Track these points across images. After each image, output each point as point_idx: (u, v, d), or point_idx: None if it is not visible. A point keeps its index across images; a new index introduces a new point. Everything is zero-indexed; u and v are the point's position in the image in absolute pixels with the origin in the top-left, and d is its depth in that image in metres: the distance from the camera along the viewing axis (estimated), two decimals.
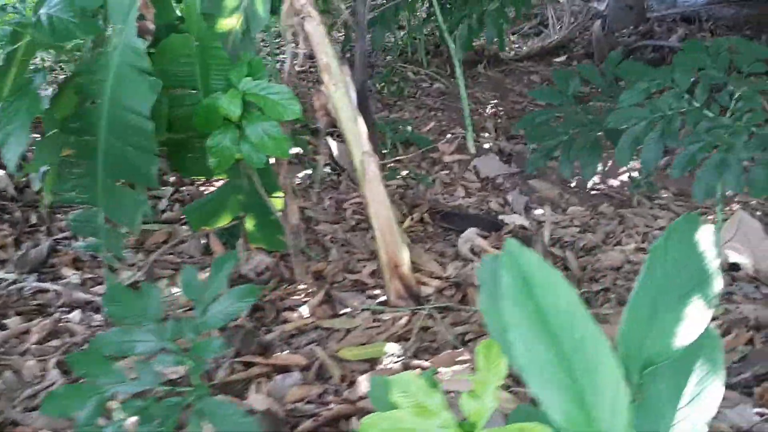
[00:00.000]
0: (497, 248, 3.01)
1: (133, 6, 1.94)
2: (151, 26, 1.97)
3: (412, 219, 3.33)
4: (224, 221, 2.56)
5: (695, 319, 0.96)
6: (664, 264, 1.02)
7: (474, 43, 6.67)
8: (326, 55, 2.25)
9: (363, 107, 3.70)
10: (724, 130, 2.36)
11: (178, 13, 2.33)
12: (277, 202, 2.53)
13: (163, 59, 2.16)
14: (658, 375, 1.02)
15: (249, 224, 2.61)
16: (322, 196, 3.69)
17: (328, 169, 4.02)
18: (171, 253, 2.91)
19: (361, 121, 2.35)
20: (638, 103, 2.57)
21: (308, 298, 2.54)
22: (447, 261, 2.90)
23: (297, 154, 4.17)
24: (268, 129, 2.13)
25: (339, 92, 2.29)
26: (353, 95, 2.33)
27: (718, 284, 0.97)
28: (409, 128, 4.30)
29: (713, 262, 0.98)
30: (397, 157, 4.20)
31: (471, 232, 3.03)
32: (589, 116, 3.01)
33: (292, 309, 2.48)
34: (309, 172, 4.02)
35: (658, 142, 2.46)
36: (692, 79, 2.55)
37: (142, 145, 1.93)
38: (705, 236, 0.99)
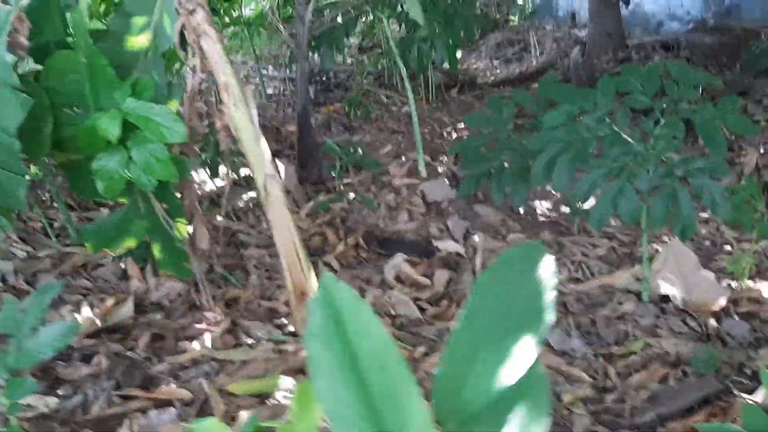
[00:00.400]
0: (426, 276, 2.91)
1: (6, 21, 1.86)
2: (25, 41, 1.89)
3: (346, 244, 3.23)
4: (127, 245, 2.46)
5: (520, 358, 0.85)
6: (491, 297, 0.92)
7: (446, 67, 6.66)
8: (224, 74, 2.17)
9: (305, 128, 3.65)
10: (632, 157, 2.27)
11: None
12: (180, 227, 2.43)
13: (50, 76, 2.08)
14: (476, 424, 0.92)
15: (155, 250, 2.50)
16: (261, 219, 3.60)
17: None
18: (85, 278, 2.81)
19: (263, 142, 2.26)
20: (562, 124, 2.48)
21: (214, 328, 2.43)
22: (370, 288, 2.80)
23: (246, 176, 4.09)
24: (154, 151, 2.04)
25: (239, 112, 2.20)
26: (255, 115, 2.23)
27: (549, 318, 0.86)
28: (360, 151, 4.21)
29: (547, 295, 0.87)
30: (346, 181, 4.12)
31: (398, 259, 2.93)
32: (522, 142, 2.92)
33: (193, 338, 2.37)
34: (253, 194, 3.93)
35: (569, 165, 2.36)
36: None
37: (8, 165, 1.84)
38: (542, 266, 0.89)
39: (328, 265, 3.05)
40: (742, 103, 2.40)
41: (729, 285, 2.72)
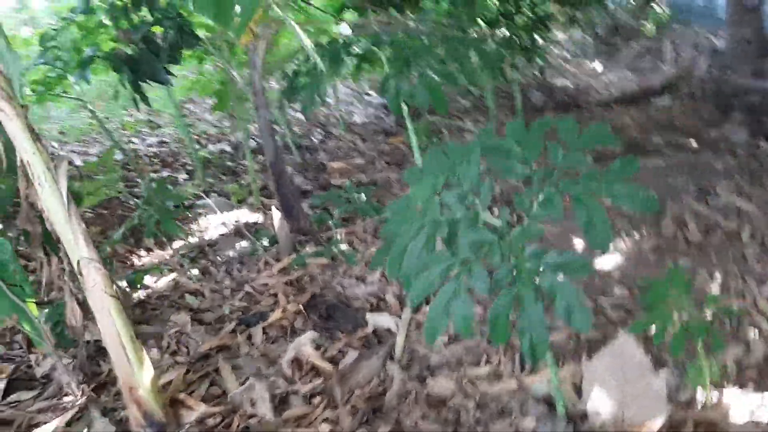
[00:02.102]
0: (334, 358, 2.55)
1: None
2: None
3: (284, 311, 2.95)
4: None
5: None
6: None
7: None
8: (25, 151, 2.00)
9: (280, 178, 3.41)
10: (487, 248, 1.76)
11: None
12: (30, 305, 2.30)
13: None
14: None
15: (26, 326, 2.40)
16: (229, 274, 3.42)
17: (265, 242, 3.73)
18: None
19: (77, 221, 2.05)
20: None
21: (60, 418, 2.27)
22: (270, 372, 2.50)
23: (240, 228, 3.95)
24: None
25: (46, 192, 2.02)
26: (64, 193, 2.04)
27: None
28: (364, 196, 3.88)
29: None
30: (350, 228, 3.81)
31: (305, 338, 2.59)
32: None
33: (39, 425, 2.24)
34: (245, 244, 3.77)
35: (420, 255, 1.89)
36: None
37: None
38: None
39: (249, 339, 2.78)
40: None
41: (686, 400, 2.07)
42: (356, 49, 3.67)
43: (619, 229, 3.62)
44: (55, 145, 6.10)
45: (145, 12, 3.27)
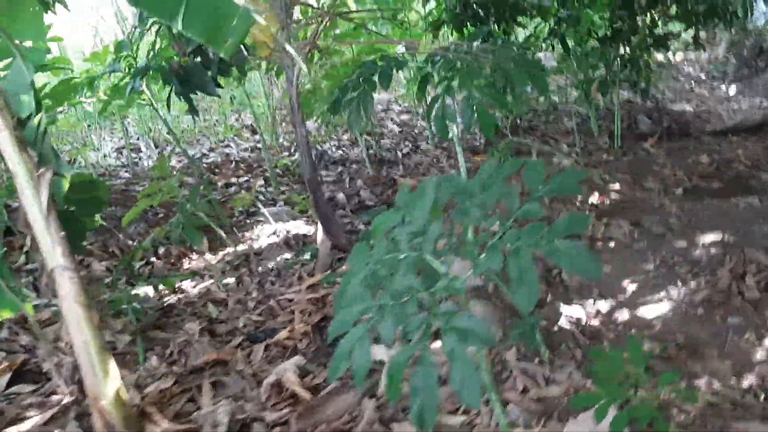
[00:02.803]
0: (314, 389, 2.48)
1: None
2: None
3: (291, 330, 2.92)
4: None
5: None
6: None
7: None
8: (11, 160, 2.10)
9: (318, 197, 3.41)
10: (408, 297, 1.63)
11: None
12: (27, 306, 2.41)
13: None
14: None
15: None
16: (261, 286, 3.46)
17: (308, 256, 3.74)
18: None
19: (55, 229, 2.13)
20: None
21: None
22: (252, 394, 2.48)
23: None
24: None
25: (27, 199, 2.11)
26: (44, 203, 2.12)
27: None
28: None
29: None
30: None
31: (290, 363, 2.55)
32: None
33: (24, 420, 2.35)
34: (288, 256, 3.80)
35: (354, 292, 1.77)
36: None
37: None
38: None
39: (248, 356, 2.78)
40: None
41: None
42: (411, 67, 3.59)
43: (679, 274, 3.31)
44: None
45: None
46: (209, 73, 3.28)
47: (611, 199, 4.56)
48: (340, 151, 6.12)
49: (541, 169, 1.82)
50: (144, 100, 3.99)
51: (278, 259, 3.78)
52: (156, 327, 3.00)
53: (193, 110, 3.52)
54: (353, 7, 4.03)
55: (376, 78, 3.32)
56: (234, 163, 5.86)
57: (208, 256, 3.94)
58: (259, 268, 3.69)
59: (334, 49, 4.63)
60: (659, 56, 10.35)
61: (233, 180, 5.31)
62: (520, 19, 6.02)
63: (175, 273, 3.65)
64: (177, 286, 3.50)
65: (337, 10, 3.34)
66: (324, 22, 3.01)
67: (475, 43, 3.60)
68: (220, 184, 5.25)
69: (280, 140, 6.42)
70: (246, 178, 5.38)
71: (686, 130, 6.11)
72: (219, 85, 3.43)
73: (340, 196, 4.79)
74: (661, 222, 4.10)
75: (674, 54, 9.10)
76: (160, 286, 3.34)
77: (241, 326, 3.03)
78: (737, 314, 2.83)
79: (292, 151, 6.26)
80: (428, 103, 3.50)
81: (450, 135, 3.60)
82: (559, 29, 6.10)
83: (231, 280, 3.53)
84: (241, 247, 3.96)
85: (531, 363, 2.52)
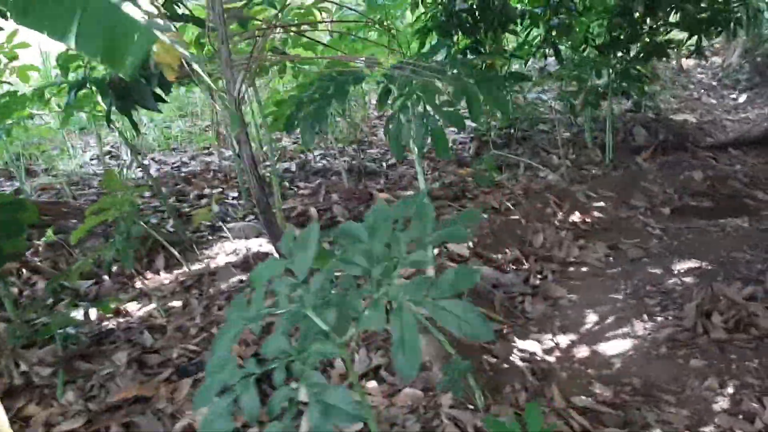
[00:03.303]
0: None
1: None
2: None
3: None
4: None
5: None
6: None
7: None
8: None
9: (270, 227, 3.24)
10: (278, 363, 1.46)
11: None
12: None
13: None
14: None
15: None
16: (207, 310, 3.29)
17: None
18: None
19: None
20: None
21: None
22: None
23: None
24: None
25: None
26: None
27: None
28: None
29: None
30: None
31: None
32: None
33: None
34: (244, 277, 3.63)
35: (224, 351, 1.60)
36: None
37: None
38: None
39: (172, 393, 2.62)
40: None
41: None
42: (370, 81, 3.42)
43: (648, 306, 3.10)
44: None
45: None
46: (151, 86, 3.12)
47: (593, 218, 4.34)
48: (325, 161, 5.95)
49: (429, 208, 1.65)
50: (100, 111, 3.85)
51: (232, 281, 3.61)
52: (83, 356, 2.85)
53: (134, 126, 3.37)
54: (319, 17, 3.85)
55: (331, 92, 3.16)
56: (212, 172, 5.71)
57: (163, 274, 3.79)
58: (211, 290, 3.53)
59: (309, 62, 4.47)
60: (672, 63, 10.11)
61: (206, 191, 5.16)
62: (512, 26, 5.83)
63: (119, 295, 3.50)
64: (122, 308, 3.36)
65: (284, 22, 3.17)
66: (268, 36, 2.84)
67: (439, 57, 3.41)
68: (192, 194, 5.10)
69: (264, 149, 6.26)
70: (220, 189, 5.22)
71: (684, 143, 5.85)
72: (161, 99, 3.27)
73: (312, 211, 4.62)
74: (640, 245, 3.88)
75: (686, 57, 8.78)
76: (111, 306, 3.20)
77: (174, 357, 2.86)
78: (701, 356, 2.62)
79: (276, 159, 6.09)
80: (386, 121, 3.33)
81: (408, 154, 3.41)
82: (550, 37, 5.89)
83: (178, 303, 3.37)
84: (196, 266, 3.80)
85: (465, 411, 2.32)
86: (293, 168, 5.83)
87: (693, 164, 5.28)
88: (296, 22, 3.24)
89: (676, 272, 3.41)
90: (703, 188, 4.84)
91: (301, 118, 3.17)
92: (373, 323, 1.47)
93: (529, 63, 7.52)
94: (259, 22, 3.01)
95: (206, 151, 6.48)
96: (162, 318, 3.19)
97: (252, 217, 4.60)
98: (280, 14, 3.09)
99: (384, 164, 5.93)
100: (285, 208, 4.73)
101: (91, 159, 6.13)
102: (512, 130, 6.49)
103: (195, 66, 2.09)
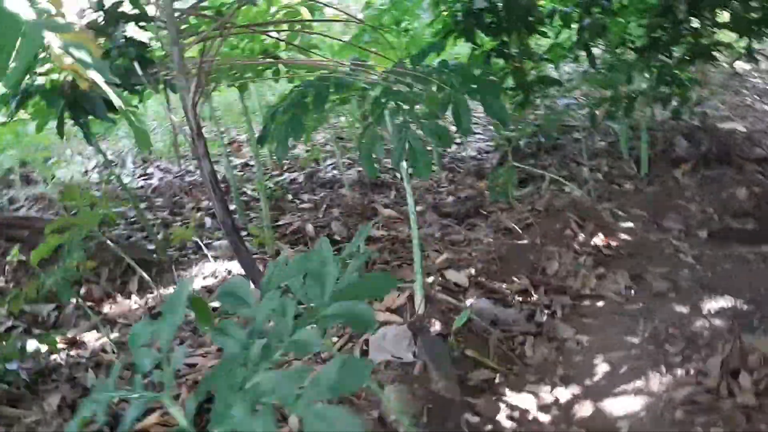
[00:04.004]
0: None
1: None
2: None
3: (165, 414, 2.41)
4: None
5: None
6: None
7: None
8: None
9: (235, 244, 2.91)
10: None
11: None
12: None
13: None
14: None
15: None
16: None
17: None
18: None
19: None
20: None
21: None
22: None
23: None
24: None
25: None
26: None
27: None
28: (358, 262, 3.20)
29: None
30: None
31: None
32: None
33: None
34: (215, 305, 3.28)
35: None
36: None
37: None
38: None
39: None
40: None
41: None
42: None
43: (668, 355, 2.63)
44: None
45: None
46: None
47: (618, 241, 3.86)
48: (335, 171, 5.59)
49: (383, 282, 1.28)
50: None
51: None
52: (12, 399, 2.53)
53: (86, 137, 3.06)
54: (307, 16, 3.48)
55: (309, 100, 2.79)
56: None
57: (134, 298, 3.47)
58: None
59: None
60: (725, 66, 9.42)
61: (204, 203, 4.85)
62: (541, 27, 5.36)
63: (80, 323, 3.19)
64: (79, 338, 3.05)
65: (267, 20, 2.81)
66: (221, 37, 2.48)
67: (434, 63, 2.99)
68: (188, 207, 4.79)
69: (271, 158, 5.94)
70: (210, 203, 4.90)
71: (729, 155, 5.28)
72: (112, 108, 2.94)
73: (309, 228, 4.25)
74: (668, 276, 3.40)
75: (733, 62, 8.14)
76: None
77: (115, 402, 2.52)
78: (723, 425, 2.15)
79: (284, 169, 5.76)
80: (358, 136, 2.96)
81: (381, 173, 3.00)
82: (582, 38, 5.39)
83: None
84: (170, 290, 3.47)
85: None
86: (301, 179, 5.47)
87: (738, 180, 4.73)
88: (273, 20, 2.87)
89: (705, 312, 2.92)
90: (748, 208, 4.31)
91: (274, 130, 2.82)
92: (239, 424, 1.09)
93: (566, 66, 7.04)
94: (213, 19, 2.66)
95: (214, 159, 6.17)
96: (113, 354, 2.86)
97: (244, 233, 4.25)
98: (232, 11, 2.73)
99: (397, 174, 5.52)
100: (281, 224, 4.39)
101: (95, 167, 5.89)
102: (542, 139, 6.00)
103: (93, 75, 1.73)
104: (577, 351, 2.80)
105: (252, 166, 5.87)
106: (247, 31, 2.98)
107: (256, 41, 3.57)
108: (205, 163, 2.73)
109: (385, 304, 3.07)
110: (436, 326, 2.82)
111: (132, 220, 4.51)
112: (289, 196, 4.99)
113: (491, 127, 7.18)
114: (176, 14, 2.49)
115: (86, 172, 5.75)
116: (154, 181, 5.47)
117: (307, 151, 6.22)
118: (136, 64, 2.70)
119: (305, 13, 3.47)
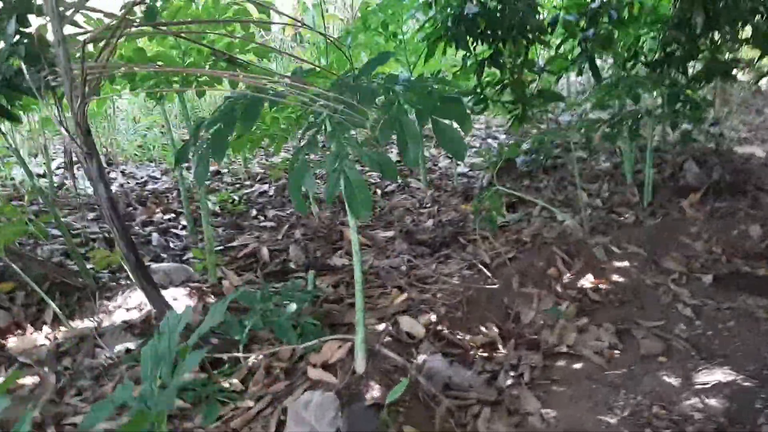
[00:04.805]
0: None
1: None
2: None
3: None
4: None
5: None
6: None
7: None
8: None
9: (144, 280, 2.47)
10: None
11: None
12: None
13: None
14: None
15: None
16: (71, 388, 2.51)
17: None
18: None
19: None
20: None
21: None
22: None
23: None
24: None
25: None
26: None
27: None
28: (302, 303, 2.74)
29: None
30: (261, 353, 2.71)
31: None
32: None
33: None
34: (132, 345, 2.84)
35: None
36: None
37: None
38: None
39: None
40: None
41: None
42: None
43: None
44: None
45: None
46: None
47: (608, 284, 3.37)
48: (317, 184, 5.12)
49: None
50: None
51: (117, 348, 2.82)
52: None
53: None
54: (256, 15, 3.03)
55: (237, 114, 2.34)
56: (177, 192, 4.97)
57: (46, 330, 3.04)
58: (86, 361, 2.75)
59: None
60: (748, 84, 8.85)
61: (157, 216, 4.40)
62: (543, 36, 4.87)
63: None
64: None
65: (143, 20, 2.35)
66: (117, 37, 2.03)
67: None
68: (138, 220, 4.35)
69: (250, 166, 5.49)
70: (170, 216, 4.45)
71: (744, 183, 4.76)
72: (5, 114, 2.51)
73: (264, 252, 3.79)
74: (660, 332, 2.91)
75: (755, 81, 7.58)
76: None
77: None
78: None
79: (257, 179, 5.31)
80: (289, 166, 2.51)
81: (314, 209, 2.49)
82: (585, 49, 4.89)
83: (32, 379, 2.61)
84: (85, 324, 3.03)
85: None
86: (272, 191, 5.02)
87: (752, 215, 4.21)
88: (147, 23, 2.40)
89: (698, 386, 2.43)
90: (761, 249, 3.79)
91: (196, 147, 2.38)
92: None
93: (571, 79, 6.54)
94: (112, 15, 2.20)
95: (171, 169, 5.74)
96: None
97: (188, 255, 3.81)
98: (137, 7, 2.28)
99: (379, 191, 5.06)
100: (235, 246, 3.93)
101: (58, 167, 5.46)
102: (541, 157, 5.51)
103: None
104: (539, 430, 2.32)
105: (223, 174, 5.43)
106: (152, 32, 2.53)
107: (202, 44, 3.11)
108: (100, 188, 2.28)
109: (322, 357, 2.60)
110: (374, 392, 2.35)
111: (75, 232, 4.08)
112: (254, 212, 4.53)
113: (490, 140, 6.70)
114: (61, 9, 2.04)
115: (44, 174, 5.32)
116: (115, 187, 5.04)
117: (287, 160, 5.77)
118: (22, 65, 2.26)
119: (254, 12, 3.02)
